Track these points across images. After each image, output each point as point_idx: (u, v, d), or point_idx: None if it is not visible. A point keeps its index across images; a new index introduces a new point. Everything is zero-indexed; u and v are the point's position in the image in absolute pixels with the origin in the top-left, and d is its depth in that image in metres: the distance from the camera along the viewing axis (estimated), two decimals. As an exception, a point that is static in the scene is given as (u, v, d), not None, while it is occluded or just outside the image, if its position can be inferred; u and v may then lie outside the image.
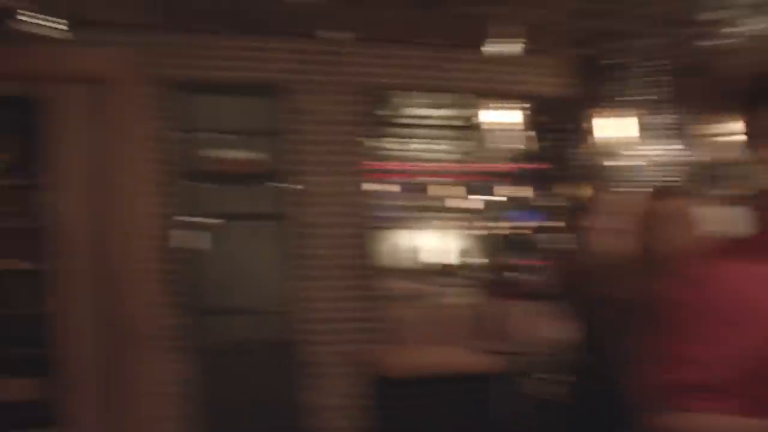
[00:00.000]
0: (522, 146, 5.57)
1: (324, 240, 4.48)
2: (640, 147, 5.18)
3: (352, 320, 4.46)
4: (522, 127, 5.60)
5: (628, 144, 5.08)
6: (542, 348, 3.32)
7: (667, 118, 5.28)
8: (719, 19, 4.49)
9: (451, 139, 5.22)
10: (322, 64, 4.55)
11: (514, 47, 4.41)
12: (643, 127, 5.20)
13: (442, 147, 5.21)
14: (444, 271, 5.15)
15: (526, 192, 5.69)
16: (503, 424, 2.92)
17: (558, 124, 5.37)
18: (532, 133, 5.73)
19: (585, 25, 4.49)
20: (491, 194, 5.60)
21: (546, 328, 4.82)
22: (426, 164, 5.09)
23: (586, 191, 5.05)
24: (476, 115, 5.01)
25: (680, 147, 5.25)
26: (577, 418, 2.48)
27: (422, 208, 5.04)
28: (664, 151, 5.23)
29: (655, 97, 5.24)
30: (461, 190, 5.22)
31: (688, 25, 4.58)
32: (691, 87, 5.32)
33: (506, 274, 5.43)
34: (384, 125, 4.90)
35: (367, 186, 4.62)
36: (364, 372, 4.32)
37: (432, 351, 4.26)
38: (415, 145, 5.13)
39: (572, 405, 2.55)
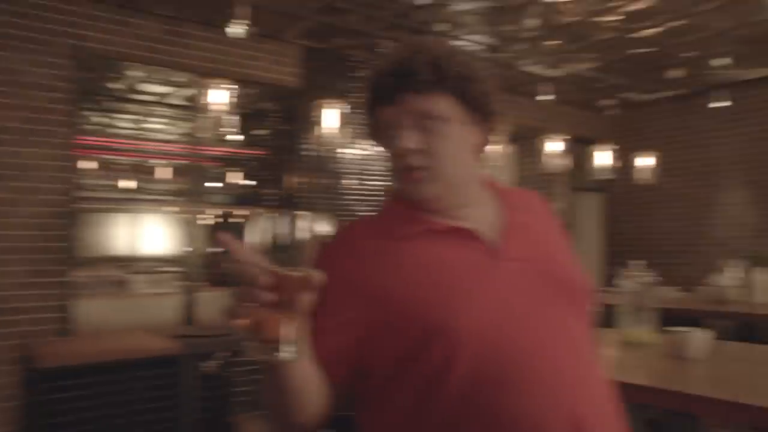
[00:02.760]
0: (242, 131, 5.58)
1: (11, 219, 3.89)
2: (361, 141, 5.59)
3: (26, 311, 3.93)
4: (246, 112, 5.60)
5: (349, 137, 5.42)
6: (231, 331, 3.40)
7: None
8: (448, 31, 5.10)
9: (172, 118, 4.97)
10: (28, 19, 3.92)
11: (244, 29, 4.36)
12: (360, 122, 5.61)
13: (163, 126, 4.94)
14: (150, 257, 4.93)
15: (244, 178, 5.73)
16: (183, 405, 2.96)
17: (284, 113, 5.49)
18: (257, 119, 5.78)
19: (320, 17, 4.66)
20: (208, 179, 5.51)
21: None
22: (142, 143, 4.75)
23: (306, 181, 5.27)
24: (199, 96, 4.84)
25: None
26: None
27: (133, 190, 4.72)
28: (375, 145, 5.70)
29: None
30: (178, 172, 5.03)
31: (419, 33, 5.10)
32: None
33: (216, 261, 5.42)
34: (99, 97, 4.43)
35: (72, 162, 4.12)
36: (21, 365, 3.81)
37: (114, 337, 3.96)
38: (132, 122, 4.77)
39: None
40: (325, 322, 0.99)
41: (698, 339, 1.90)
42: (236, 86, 4.12)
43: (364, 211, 5.64)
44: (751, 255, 3.79)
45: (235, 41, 4.72)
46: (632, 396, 1.53)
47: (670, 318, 3.21)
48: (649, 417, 2.69)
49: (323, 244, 1.10)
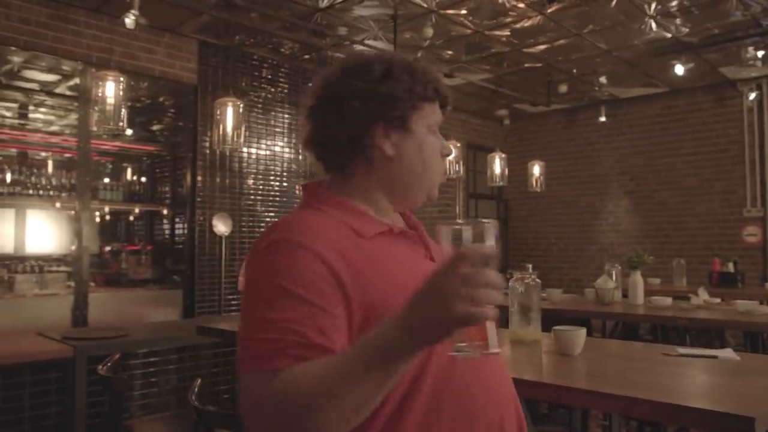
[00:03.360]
0: (135, 126, 5.36)
1: None
2: (258, 140, 5.50)
3: None
4: (140, 106, 5.38)
5: (242, 135, 5.33)
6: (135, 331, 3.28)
7: (282, 115, 5.73)
8: (347, 35, 5.12)
9: (59, 109, 4.70)
10: None
11: (136, 20, 4.19)
12: (259, 122, 5.54)
13: (49, 117, 4.66)
14: (37, 256, 4.62)
15: (138, 175, 5.50)
16: (74, 410, 2.83)
17: (180, 109, 5.32)
18: (152, 114, 5.57)
19: (218, 12, 4.55)
20: (99, 174, 5.25)
21: (150, 313, 4.79)
22: (26, 134, 4.46)
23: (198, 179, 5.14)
24: (89, 86, 4.60)
25: (290, 143, 5.75)
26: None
27: (17, 184, 4.41)
28: (276, 145, 5.65)
29: (279, 95, 5.66)
30: (66, 166, 4.75)
31: (319, 35, 5.09)
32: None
33: (105, 259, 5.18)
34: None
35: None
36: None
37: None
38: (14, 112, 4.45)
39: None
40: (324, 317, 0.94)
41: (578, 337, 2.04)
42: (129, 78, 3.95)
43: (267, 211, 5.57)
44: (628, 259, 4.10)
45: (130, 32, 4.51)
46: (520, 391, 1.63)
47: (564, 318, 3.43)
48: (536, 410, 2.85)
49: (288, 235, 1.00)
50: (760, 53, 5.46)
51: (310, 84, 1.15)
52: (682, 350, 2.08)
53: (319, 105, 1.14)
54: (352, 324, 0.97)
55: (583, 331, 2.05)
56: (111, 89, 3.63)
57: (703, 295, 3.93)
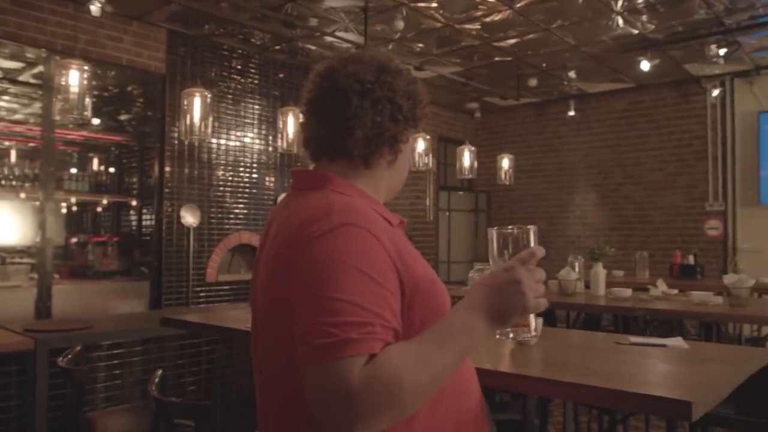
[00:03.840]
0: (102, 116, 5.29)
1: None
2: (227, 131, 5.47)
3: None
4: (107, 95, 5.31)
5: (210, 126, 5.29)
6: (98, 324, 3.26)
7: (252, 107, 5.70)
8: (318, 27, 5.11)
9: (23, 97, 4.62)
10: None
11: (102, 7, 4.15)
12: (229, 113, 5.51)
13: (12, 105, 4.57)
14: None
15: (105, 165, 5.43)
16: (36, 403, 2.81)
17: (149, 99, 5.26)
18: (119, 104, 5.49)
19: (186, 1, 4.50)
20: (64, 164, 5.17)
21: (116, 305, 4.76)
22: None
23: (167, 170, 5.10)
24: (53, 75, 4.52)
25: (261, 134, 5.72)
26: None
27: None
28: (246, 137, 5.62)
29: (249, 86, 5.63)
30: (29, 156, 4.68)
31: (289, 26, 5.07)
32: (284, 82, 5.89)
33: (71, 251, 5.11)
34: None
35: None
36: None
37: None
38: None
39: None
40: (387, 292, 0.99)
41: (537, 327, 2.09)
42: (95, 67, 3.90)
43: (236, 203, 5.54)
44: (590, 251, 4.18)
45: (96, 20, 4.47)
46: (479, 379, 1.67)
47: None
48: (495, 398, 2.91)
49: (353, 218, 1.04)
50: (722, 51, 5.59)
51: (348, 75, 1.15)
52: (633, 339, 2.15)
53: (367, 97, 1.15)
54: (403, 306, 1.02)
55: (539, 321, 2.10)
56: (75, 78, 3.58)
57: (661, 287, 4.04)
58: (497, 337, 1.09)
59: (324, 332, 0.90)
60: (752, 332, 5.15)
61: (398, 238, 1.09)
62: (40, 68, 4.45)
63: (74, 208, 5.35)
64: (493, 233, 1.14)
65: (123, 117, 5.51)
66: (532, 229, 1.12)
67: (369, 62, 1.18)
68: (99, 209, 5.50)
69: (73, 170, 5.16)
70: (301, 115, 1.25)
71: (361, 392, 0.87)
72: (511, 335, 1.11)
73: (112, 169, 5.41)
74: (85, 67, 3.62)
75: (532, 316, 1.10)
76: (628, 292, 3.88)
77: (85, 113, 3.62)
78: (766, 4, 4.71)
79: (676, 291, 3.99)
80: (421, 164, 5.52)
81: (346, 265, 0.95)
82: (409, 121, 1.20)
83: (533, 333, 1.15)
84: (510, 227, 1.13)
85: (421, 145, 5.45)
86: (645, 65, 5.84)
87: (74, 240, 5.16)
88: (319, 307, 0.93)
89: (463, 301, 1.03)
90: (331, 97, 1.15)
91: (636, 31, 5.20)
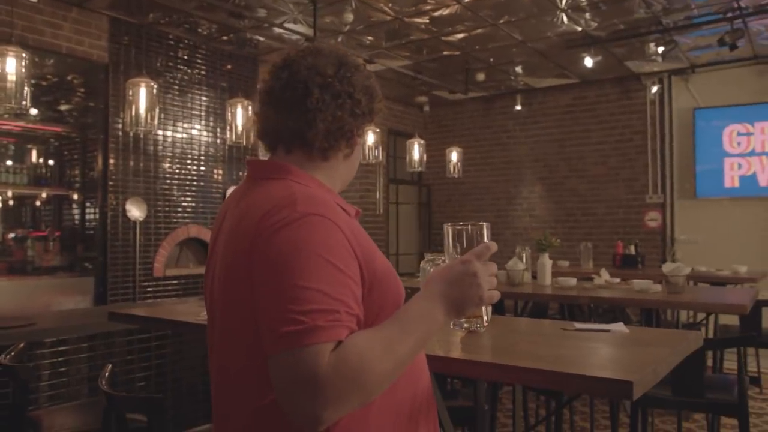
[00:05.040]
0: (40, 106, 5.10)
1: None
2: (174, 123, 5.36)
3: None
4: (45, 84, 5.12)
5: (156, 117, 5.17)
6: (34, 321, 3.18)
7: (200, 98, 5.60)
8: (266, 18, 5.05)
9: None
10: None
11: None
12: (175, 104, 5.39)
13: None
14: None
15: (45, 157, 5.25)
16: None
17: (90, 88, 5.10)
18: (58, 93, 5.31)
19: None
20: None
21: (59, 301, 4.61)
22: None
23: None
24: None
25: (208, 126, 5.63)
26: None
27: None
28: (194, 129, 5.52)
29: (196, 76, 5.52)
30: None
31: (236, 16, 4.99)
32: (231, 73, 5.79)
33: (9, 246, 4.92)
34: None
35: None
36: None
37: None
38: None
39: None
40: (350, 280, 1.00)
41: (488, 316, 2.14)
42: (32, 55, 3.75)
43: (183, 196, 5.44)
44: (536, 242, 4.30)
45: (33, 5, 4.31)
46: (430, 366, 1.70)
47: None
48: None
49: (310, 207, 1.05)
50: (660, 49, 5.81)
51: (308, 66, 1.16)
52: (578, 325, 2.23)
53: (328, 91, 1.15)
54: (363, 293, 1.04)
55: (489, 310, 2.16)
56: (12, 66, 3.44)
57: (604, 276, 4.19)
58: (452, 326, 1.14)
59: (292, 320, 0.92)
60: (689, 318, 5.39)
61: (356, 228, 1.12)
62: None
63: (11, 202, 5.14)
64: (449, 229, 1.19)
65: (63, 107, 5.32)
66: (485, 225, 1.17)
67: (328, 56, 1.19)
68: (38, 203, 5.30)
69: (10, 162, 4.96)
70: (256, 106, 1.25)
71: (330, 378, 0.89)
72: (465, 325, 1.17)
73: (51, 162, 5.23)
74: (24, 55, 3.48)
75: (484, 307, 1.15)
76: (573, 281, 4.01)
77: (24, 103, 3.49)
78: (701, 5, 4.92)
79: (618, 280, 4.14)
80: (371, 157, 5.54)
81: (311, 254, 0.97)
82: (366, 116, 1.22)
83: (485, 324, 1.20)
84: (463, 223, 1.17)
85: (371, 138, 5.46)
86: (588, 62, 6.01)
87: (12, 235, 4.97)
88: (285, 295, 0.94)
89: (422, 292, 1.07)
90: (291, 89, 1.15)
91: (580, 28, 5.35)
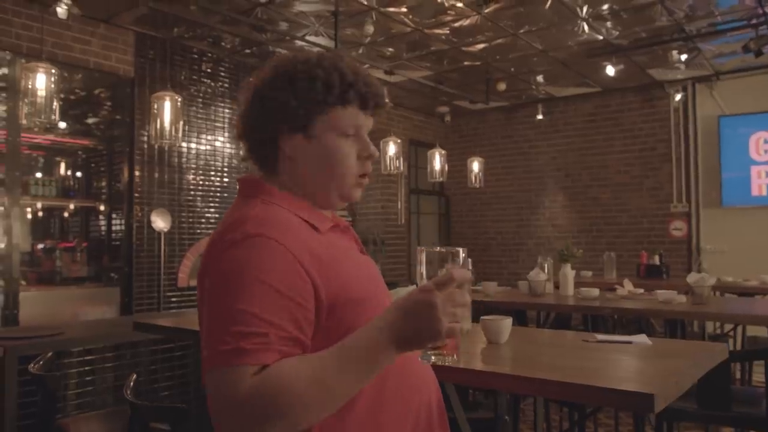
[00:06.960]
0: (69, 119, 5.22)
1: None
2: (198, 135, 5.44)
3: None
4: (74, 98, 5.24)
5: (181, 130, 5.25)
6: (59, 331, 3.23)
7: (223, 110, 5.67)
8: (288, 31, 5.12)
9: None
10: None
11: (68, 9, 4.09)
12: (199, 116, 5.48)
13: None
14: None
15: (73, 169, 5.36)
16: (6, 410, 2.78)
17: (117, 102, 5.20)
18: (87, 107, 5.42)
19: (154, 3, 4.47)
20: (30, 168, 5.09)
21: (85, 311, 4.69)
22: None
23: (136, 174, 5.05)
24: (18, 78, 4.44)
25: (232, 138, 5.70)
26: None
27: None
28: (217, 141, 5.60)
29: (220, 89, 5.60)
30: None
31: (259, 30, 5.06)
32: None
33: (38, 257, 5.03)
34: None
35: None
36: None
37: None
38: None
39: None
40: (300, 310, 0.99)
41: (503, 326, 2.14)
42: (61, 70, 3.85)
43: (207, 207, 5.51)
44: (559, 253, 4.27)
45: (62, 22, 4.41)
46: (447, 377, 1.71)
47: (499, 310, 3.55)
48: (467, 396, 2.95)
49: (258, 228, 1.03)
50: (684, 57, 5.76)
51: (250, 78, 1.20)
52: (600, 337, 2.21)
53: (250, 100, 1.19)
54: (320, 316, 1.02)
55: (509, 320, 2.16)
56: (42, 81, 3.54)
57: (628, 286, 4.14)
58: (420, 359, 1.04)
59: (221, 340, 0.93)
60: (715, 329, 5.30)
61: (324, 245, 1.09)
62: (4, 71, 4.37)
63: (40, 214, 5.26)
64: (421, 253, 1.07)
65: (91, 120, 5.44)
66: (461, 250, 1.05)
67: (267, 66, 1.22)
68: (66, 214, 5.41)
69: (40, 175, 5.07)
70: None
71: (247, 401, 0.89)
72: (432, 359, 1.04)
73: (79, 174, 5.34)
74: (53, 71, 3.58)
75: (460, 329, 1.01)
76: (595, 292, 3.97)
77: (53, 117, 3.58)
78: (724, 12, 4.87)
79: (642, 290, 4.09)
80: (392, 167, 5.56)
81: (247, 276, 0.97)
82: (278, 121, 1.14)
83: (455, 358, 1.05)
84: (438, 247, 1.07)
85: (392, 148, 5.49)
86: (610, 70, 5.98)
87: (41, 246, 5.07)
88: (218, 315, 0.96)
89: (376, 320, 0.98)
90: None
91: (601, 37, 5.33)
